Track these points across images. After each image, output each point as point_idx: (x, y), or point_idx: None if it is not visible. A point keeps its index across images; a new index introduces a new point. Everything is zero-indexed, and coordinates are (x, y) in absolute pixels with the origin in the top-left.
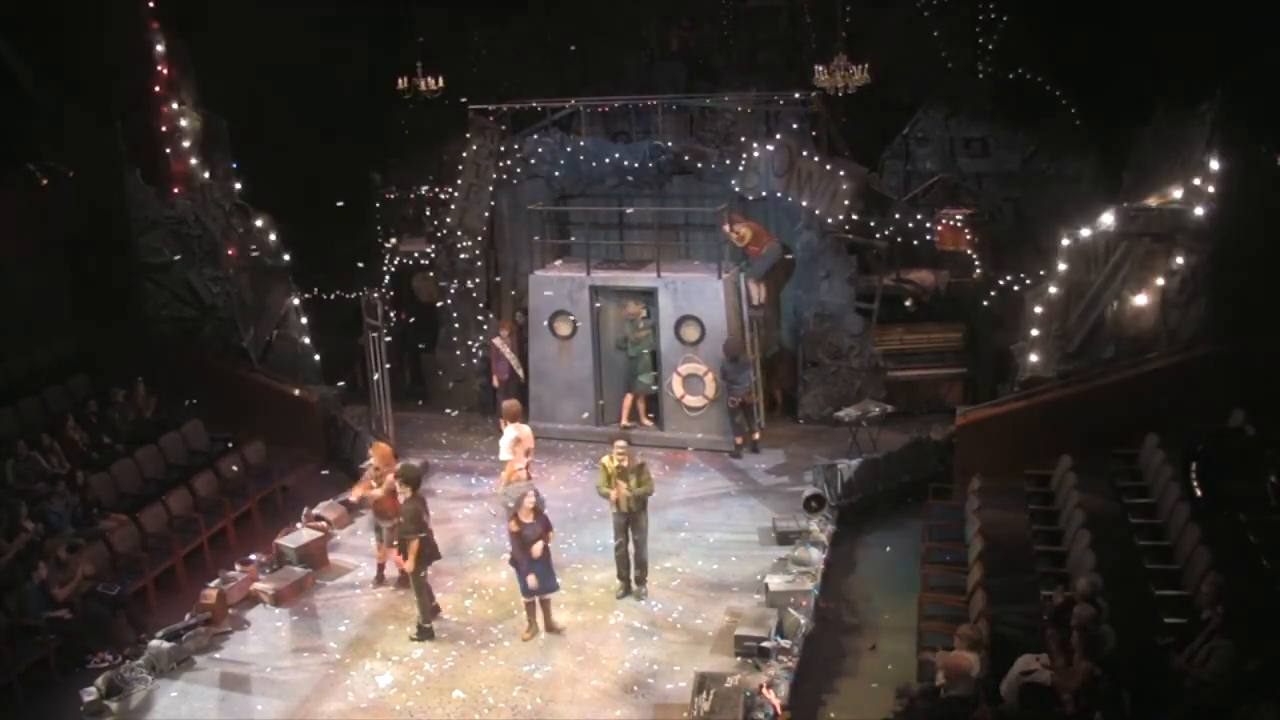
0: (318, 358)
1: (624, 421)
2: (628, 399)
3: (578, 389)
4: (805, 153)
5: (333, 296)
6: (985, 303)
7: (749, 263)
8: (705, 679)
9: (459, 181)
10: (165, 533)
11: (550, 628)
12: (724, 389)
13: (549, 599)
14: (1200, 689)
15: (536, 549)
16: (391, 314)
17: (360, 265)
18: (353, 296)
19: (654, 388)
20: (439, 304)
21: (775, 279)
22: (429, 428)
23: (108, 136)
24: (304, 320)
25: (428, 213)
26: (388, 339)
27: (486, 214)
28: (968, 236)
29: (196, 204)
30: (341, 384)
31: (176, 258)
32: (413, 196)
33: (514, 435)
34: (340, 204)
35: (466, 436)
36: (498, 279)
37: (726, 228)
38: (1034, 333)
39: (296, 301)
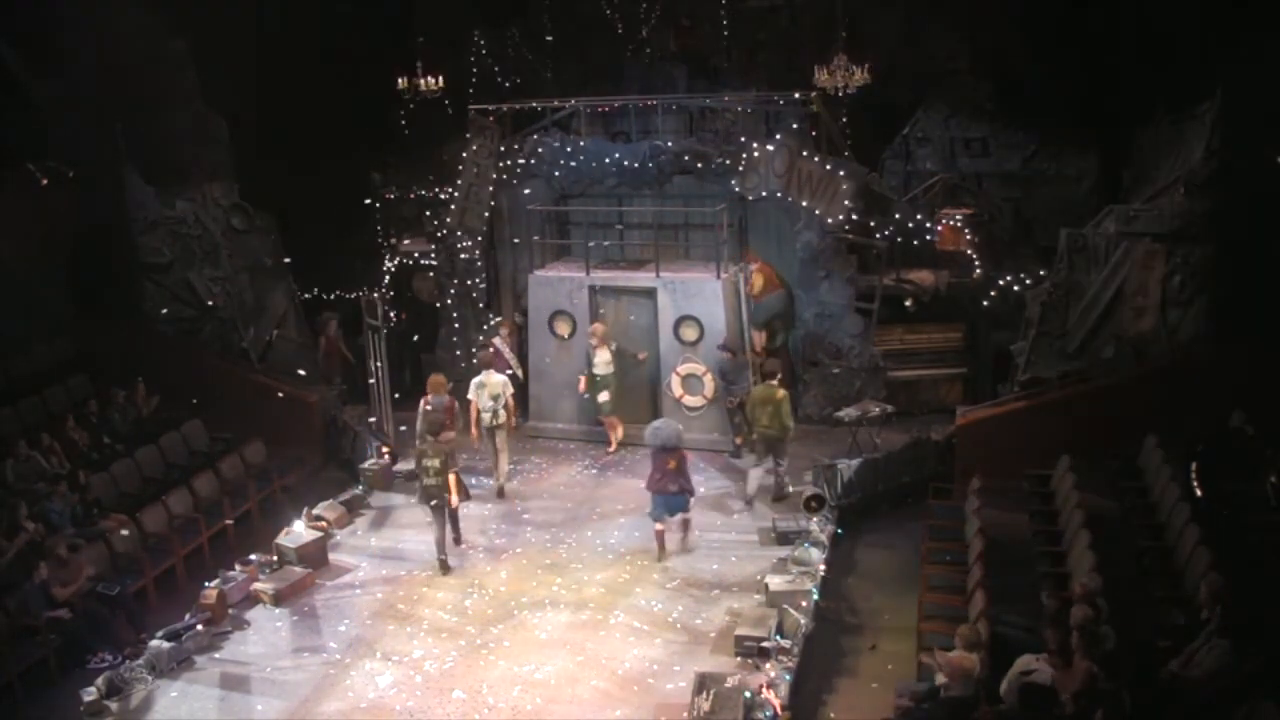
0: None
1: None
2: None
3: (577, 389)
4: (805, 153)
5: (333, 296)
6: (985, 303)
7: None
8: (705, 679)
9: (459, 181)
10: (165, 533)
11: (681, 546)
12: (723, 389)
13: (662, 526)
14: (1200, 689)
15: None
16: (391, 314)
17: (360, 265)
18: (353, 296)
19: (602, 403)
20: (439, 304)
21: (784, 318)
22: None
23: (108, 136)
24: (304, 320)
25: (428, 213)
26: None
27: (486, 214)
28: (968, 236)
29: (196, 204)
30: (343, 385)
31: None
32: (413, 196)
33: (479, 379)
34: (343, 205)
35: (465, 436)
36: (482, 281)
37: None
38: (1034, 333)
39: (296, 301)
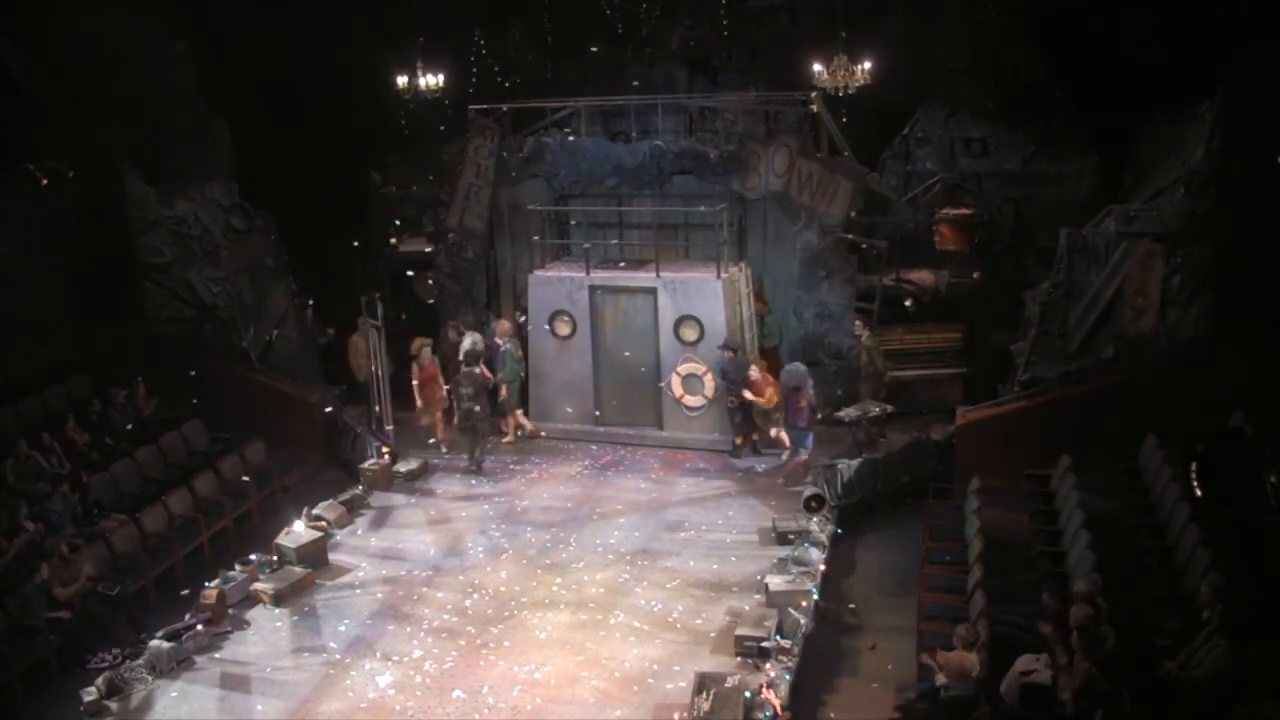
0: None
1: (510, 439)
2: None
3: (577, 389)
4: (805, 153)
5: (333, 297)
6: (985, 303)
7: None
8: (705, 679)
9: (459, 181)
10: (165, 533)
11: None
12: (723, 389)
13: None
14: (1200, 689)
15: None
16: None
17: (360, 265)
18: (353, 297)
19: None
20: (439, 304)
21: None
22: (428, 427)
23: (108, 136)
24: (304, 320)
25: (427, 213)
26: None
27: (486, 214)
28: (968, 236)
29: (196, 204)
30: (343, 386)
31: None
32: (413, 196)
33: (469, 342)
34: (343, 205)
35: (465, 437)
36: (482, 281)
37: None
38: (1034, 333)
39: (296, 301)
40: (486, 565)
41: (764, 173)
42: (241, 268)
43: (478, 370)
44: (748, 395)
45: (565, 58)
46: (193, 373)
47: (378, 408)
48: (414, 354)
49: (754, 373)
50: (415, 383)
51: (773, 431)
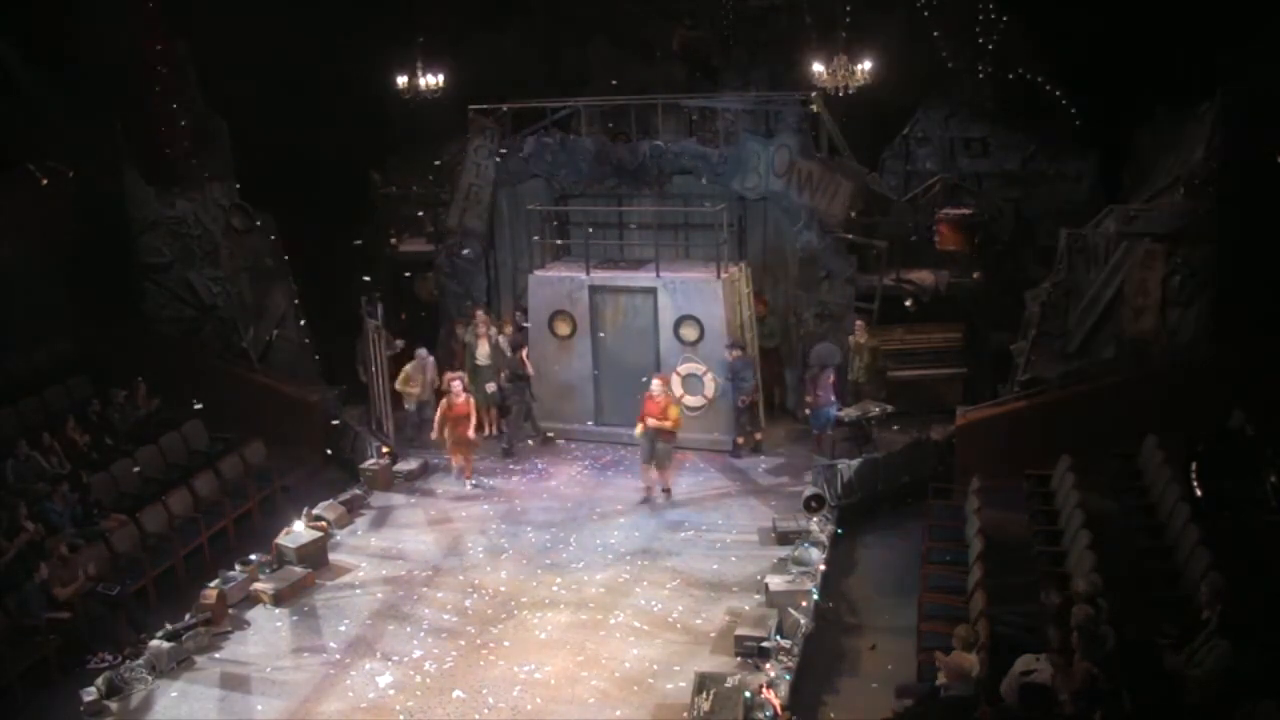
0: (318, 357)
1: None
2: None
3: (577, 389)
4: (805, 153)
5: (332, 297)
6: (985, 303)
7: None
8: (705, 679)
9: (459, 181)
10: (165, 533)
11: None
12: (731, 388)
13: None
14: (1200, 689)
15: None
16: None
17: (360, 265)
18: (353, 297)
19: (490, 394)
20: (439, 304)
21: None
22: (428, 427)
23: (108, 136)
24: (303, 320)
25: (427, 213)
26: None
27: (486, 214)
28: (968, 236)
29: (196, 204)
30: (343, 385)
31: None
32: (413, 196)
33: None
34: (343, 205)
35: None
36: (482, 281)
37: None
38: (1034, 333)
39: (296, 301)
40: (486, 565)
41: (764, 173)
42: (241, 268)
43: (515, 358)
44: (651, 422)
45: (565, 58)
46: (196, 398)
47: (409, 407)
48: (443, 388)
49: (655, 388)
50: (439, 419)
51: (652, 473)
